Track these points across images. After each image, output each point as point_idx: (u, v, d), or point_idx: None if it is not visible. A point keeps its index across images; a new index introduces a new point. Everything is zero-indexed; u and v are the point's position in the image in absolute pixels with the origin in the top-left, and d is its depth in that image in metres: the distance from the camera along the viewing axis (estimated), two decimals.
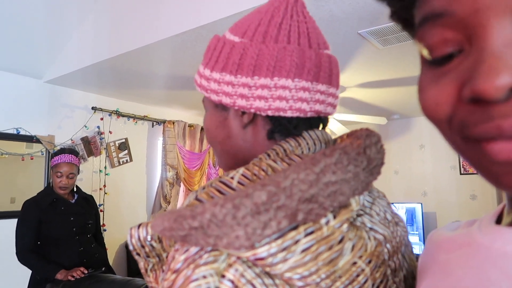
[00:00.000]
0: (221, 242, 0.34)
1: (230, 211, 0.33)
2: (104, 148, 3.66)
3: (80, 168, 2.65)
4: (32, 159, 3.15)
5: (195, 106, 4.22)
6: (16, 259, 2.26)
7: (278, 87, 0.47)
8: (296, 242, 0.35)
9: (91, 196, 2.69)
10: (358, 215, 0.43)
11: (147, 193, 4.07)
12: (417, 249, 4.07)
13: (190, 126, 4.37)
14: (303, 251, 0.35)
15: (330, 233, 0.37)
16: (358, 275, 0.38)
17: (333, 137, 0.53)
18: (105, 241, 2.75)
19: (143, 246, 0.48)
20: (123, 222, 3.74)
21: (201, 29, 2.11)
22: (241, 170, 0.41)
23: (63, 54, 3.01)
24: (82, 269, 2.24)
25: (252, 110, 0.48)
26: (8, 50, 2.81)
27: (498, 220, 0.34)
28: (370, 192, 0.49)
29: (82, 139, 3.46)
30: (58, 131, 3.33)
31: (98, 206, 2.80)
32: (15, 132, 3.05)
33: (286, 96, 0.47)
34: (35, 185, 3.02)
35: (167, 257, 0.47)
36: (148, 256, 0.49)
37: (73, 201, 2.49)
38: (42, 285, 2.21)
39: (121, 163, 3.82)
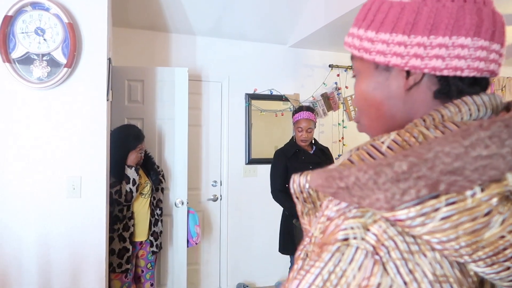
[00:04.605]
0: (364, 202, 0.39)
1: (372, 177, 0.38)
2: (342, 103, 3.90)
3: (320, 122, 2.93)
4: (282, 115, 3.72)
5: None
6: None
7: (456, 45, 0.46)
8: (436, 210, 0.37)
9: (326, 148, 2.97)
10: None
11: None
12: None
13: None
14: (443, 218, 0.37)
15: (475, 205, 0.37)
16: (505, 249, 0.37)
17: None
18: None
19: (301, 192, 0.56)
20: None
21: None
22: (393, 135, 0.43)
23: (301, 19, 3.32)
24: None
25: (426, 70, 0.48)
26: (259, 24, 3.35)
27: None
28: None
29: (322, 95, 3.80)
30: (301, 89, 3.77)
31: (338, 157, 3.06)
32: (269, 93, 3.66)
33: (464, 55, 0.46)
34: (286, 136, 3.57)
35: (320, 205, 0.54)
36: (305, 201, 0.57)
37: (312, 152, 2.84)
38: (290, 220, 2.69)
39: None
